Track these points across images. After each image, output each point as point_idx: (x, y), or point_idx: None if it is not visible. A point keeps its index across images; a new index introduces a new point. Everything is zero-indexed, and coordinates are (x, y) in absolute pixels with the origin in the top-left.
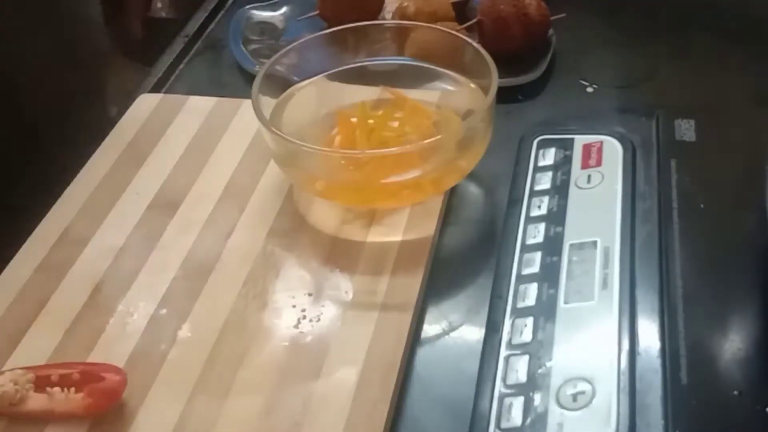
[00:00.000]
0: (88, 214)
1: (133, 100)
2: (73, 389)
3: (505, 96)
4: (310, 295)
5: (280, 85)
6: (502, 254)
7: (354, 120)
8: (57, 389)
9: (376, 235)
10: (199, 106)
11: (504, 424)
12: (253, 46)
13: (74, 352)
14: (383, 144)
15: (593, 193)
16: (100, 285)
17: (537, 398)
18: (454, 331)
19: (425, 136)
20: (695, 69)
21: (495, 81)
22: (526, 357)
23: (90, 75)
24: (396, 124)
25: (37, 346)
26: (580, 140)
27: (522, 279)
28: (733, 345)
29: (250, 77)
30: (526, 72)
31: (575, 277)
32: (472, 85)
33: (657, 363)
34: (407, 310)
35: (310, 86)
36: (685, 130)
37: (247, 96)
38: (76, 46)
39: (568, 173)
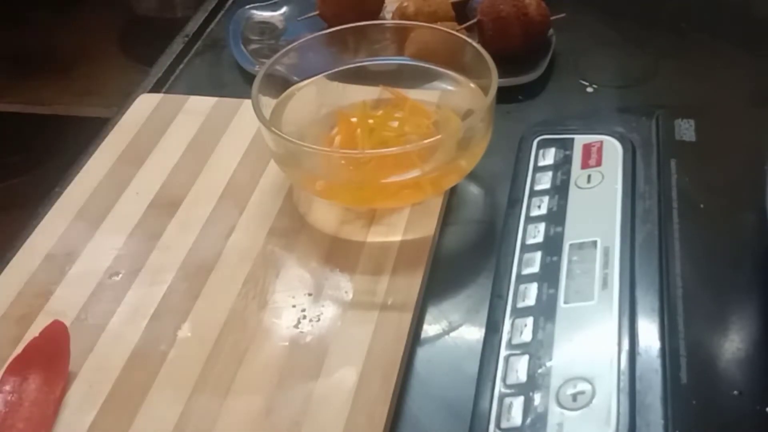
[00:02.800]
0: (88, 214)
1: (133, 100)
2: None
3: (505, 96)
4: (309, 294)
5: (280, 85)
6: (501, 254)
7: (354, 120)
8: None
9: (376, 235)
10: (199, 106)
11: (504, 424)
12: (253, 46)
13: (74, 352)
14: (383, 144)
15: (593, 192)
16: (100, 285)
17: (537, 398)
18: (454, 330)
19: (425, 135)
20: (695, 69)
21: (495, 81)
22: (526, 357)
23: None
24: (396, 123)
25: None
26: (580, 140)
27: (522, 279)
28: (733, 345)
29: (250, 77)
30: (526, 72)
31: (575, 276)
32: (472, 85)
33: (657, 363)
34: (407, 309)
35: (310, 86)
36: (685, 130)
37: (247, 96)
38: None
39: (568, 173)
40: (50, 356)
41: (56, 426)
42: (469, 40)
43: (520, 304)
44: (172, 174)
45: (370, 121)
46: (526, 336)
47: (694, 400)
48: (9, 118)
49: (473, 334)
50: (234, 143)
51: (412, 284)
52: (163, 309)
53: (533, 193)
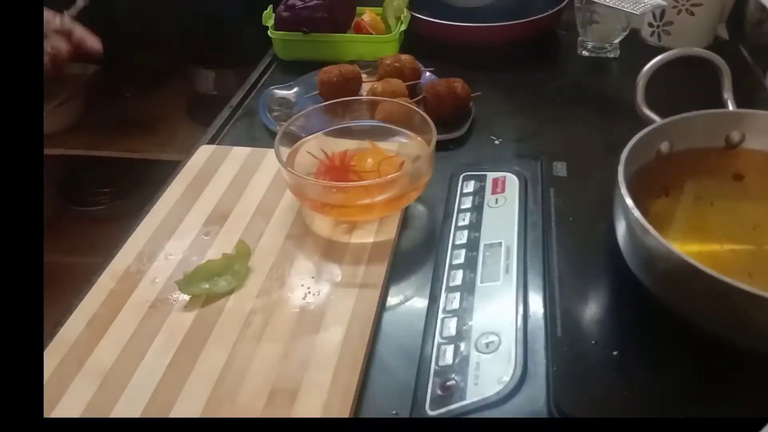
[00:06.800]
0: (165, 227)
1: (196, 149)
2: None
3: (441, 146)
4: (313, 278)
5: (293, 139)
6: (439, 250)
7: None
8: None
9: (357, 238)
10: (240, 153)
11: (440, 363)
12: (275, 113)
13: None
14: (361, 177)
15: (499, 210)
16: (176, 272)
17: (462, 346)
18: (408, 301)
19: (391, 172)
20: (567, 128)
21: (434, 136)
22: (455, 319)
23: None
24: (370, 162)
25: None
26: (491, 175)
27: (453, 267)
28: (591, 310)
29: (273, 134)
30: (455, 130)
31: (488, 266)
32: (419, 139)
33: (541, 322)
34: (377, 287)
35: (313, 140)
36: (560, 168)
37: (271, 146)
38: None
39: (483, 197)
40: None
41: (139, 370)
42: (418, 109)
43: (451, 284)
44: (221, 199)
45: (353, 163)
46: (455, 305)
47: (566, 347)
48: (113, 162)
49: (420, 303)
50: (263, 178)
51: (380, 271)
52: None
53: (460, 211)
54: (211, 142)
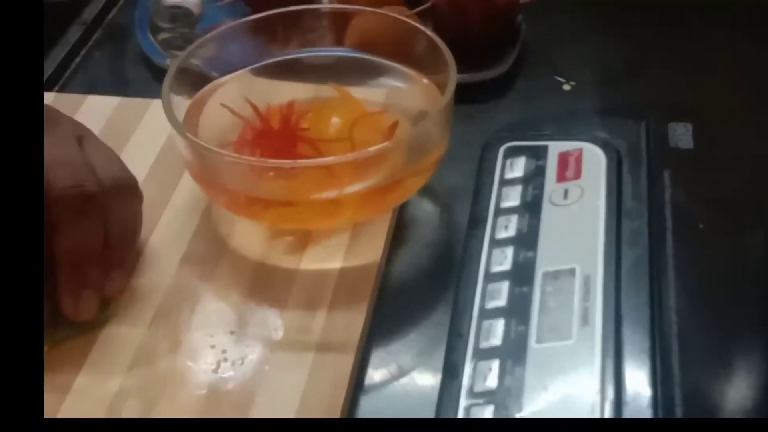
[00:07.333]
0: None
1: None
2: None
3: (465, 95)
4: (232, 333)
5: (195, 81)
6: (461, 284)
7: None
8: None
9: (312, 262)
10: (99, 107)
11: None
12: (163, 36)
13: None
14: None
15: (571, 210)
16: None
17: None
18: (405, 376)
19: (371, 142)
20: (692, 62)
21: (453, 77)
22: (491, 407)
23: None
24: (335, 121)
25: None
26: (556, 148)
27: (486, 314)
28: (738, 393)
29: (160, 72)
30: (491, 66)
31: (550, 311)
32: (426, 81)
33: (647, 414)
34: (348, 351)
35: (231, 83)
36: (681, 135)
37: (157, 95)
38: None
39: (540, 187)
40: None
41: None
42: (422, 27)
43: (483, 344)
44: None
45: (305, 126)
46: (491, 382)
47: None
48: None
49: (427, 380)
50: (141, 152)
51: (354, 320)
52: (57, 352)
53: (499, 212)
54: (50, 86)
